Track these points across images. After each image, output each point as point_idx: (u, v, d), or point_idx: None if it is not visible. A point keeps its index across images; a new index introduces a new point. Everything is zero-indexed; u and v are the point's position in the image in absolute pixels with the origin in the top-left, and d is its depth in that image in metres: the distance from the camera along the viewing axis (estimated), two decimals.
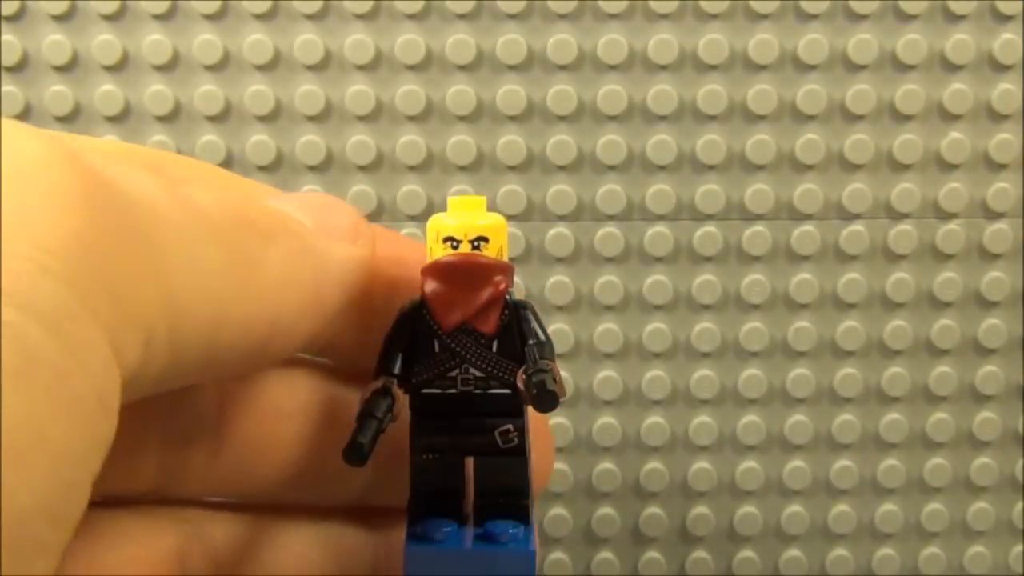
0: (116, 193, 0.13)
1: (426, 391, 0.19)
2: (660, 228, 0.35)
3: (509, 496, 0.19)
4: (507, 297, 0.19)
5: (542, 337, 0.19)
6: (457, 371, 0.19)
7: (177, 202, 0.15)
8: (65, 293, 0.12)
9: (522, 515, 0.19)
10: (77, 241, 0.12)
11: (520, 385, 0.19)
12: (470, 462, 0.20)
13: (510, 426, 0.19)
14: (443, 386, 0.19)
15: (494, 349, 0.19)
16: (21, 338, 0.11)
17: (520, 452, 0.20)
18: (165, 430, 0.19)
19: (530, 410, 0.20)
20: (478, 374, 0.19)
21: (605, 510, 0.36)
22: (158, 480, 0.19)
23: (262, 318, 0.16)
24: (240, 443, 0.20)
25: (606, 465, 0.36)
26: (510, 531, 0.19)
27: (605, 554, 0.36)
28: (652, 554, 0.36)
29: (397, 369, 0.19)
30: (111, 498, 0.19)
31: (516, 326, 0.19)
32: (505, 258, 0.20)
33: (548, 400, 0.18)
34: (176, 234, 0.14)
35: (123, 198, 0.14)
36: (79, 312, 0.12)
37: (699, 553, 0.36)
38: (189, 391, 0.19)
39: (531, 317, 0.20)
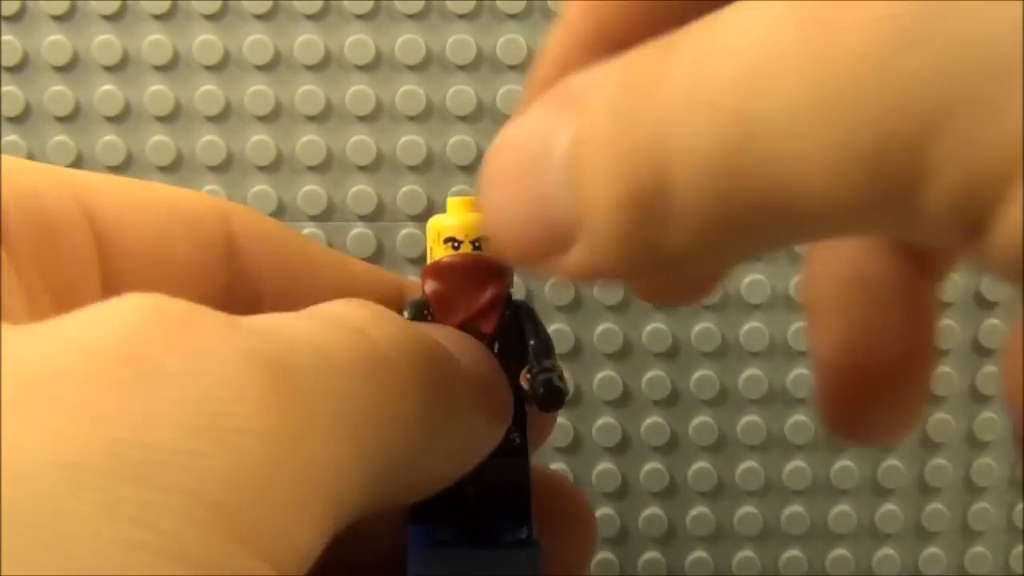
0: (312, 399, 0.13)
1: None
2: None
3: (511, 496, 0.19)
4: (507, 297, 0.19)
5: (543, 337, 0.20)
6: None
7: (373, 369, 0.14)
8: (218, 541, 0.11)
9: (524, 515, 0.19)
10: (251, 484, 0.11)
11: (525, 385, 0.19)
12: None
13: (512, 427, 0.19)
14: None
15: (495, 349, 0.19)
16: None
17: (522, 453, 0.20)
18: None
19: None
20: None
21: (604, 510, 0.36)
22: None
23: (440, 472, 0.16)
24: None
25: (606, 465, 0.36)
26: (513, 531, 0.19)
27: (604, 554, 0.36)
28: (652, 554, 0.36)
29: None
30: None
31: (516, 326, 0.20)
32: None
33: (555, 398, 0.18)
34: (370, 407, 0.14)
35: (317, 400, 0.13)
36: (231, 553, 0.11)
37: (699, 553, 0.36)
38: None
39: (531, 317, 0.20)
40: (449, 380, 0.16)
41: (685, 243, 0.13)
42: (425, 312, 0.19)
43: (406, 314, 0.19)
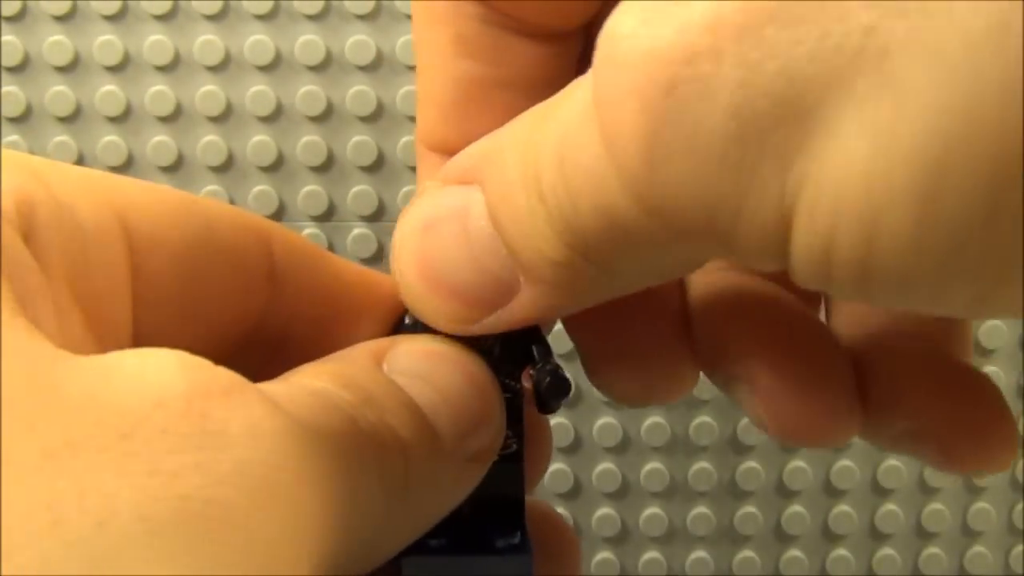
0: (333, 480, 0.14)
1: None
2: None
3: (505, 502, 0.19)
4: None
5: (544, 340, 0.20)
6: None
7: (354, 442, 0.15)
8: None
9: (518, 521, 0.19)
10: (287, 545, 0.13)
11: (527, 384, 0.19)
12: None
13: (508, 432, 0.19)
14: None
15: (495, 353, 0.19)
16: None
17: (517, 459, 0.20)
18: None
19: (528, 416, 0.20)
20: None
21: (605, 510, 0.36)
22: None
23: (403, 535, 0.17)
24: None
25: (606, 465, 0.36)
26: (507, 537, 0.19)
27: (605, 554, 0.36)
28: (652, 554, 0.36)
29: None
30: None
31: (518, 329, 0.20)
32: None
33: (561, 389, 0.18)
34: (354, 477, 0.15)
35: (323, 475, 0.14)
36: None
37: (699, 553, 0.36)
38: None
39: None
40: (424, 452, 0.17)
41: (619, 266, 0.15)
42: None
43: (407, 319, 0.20)
